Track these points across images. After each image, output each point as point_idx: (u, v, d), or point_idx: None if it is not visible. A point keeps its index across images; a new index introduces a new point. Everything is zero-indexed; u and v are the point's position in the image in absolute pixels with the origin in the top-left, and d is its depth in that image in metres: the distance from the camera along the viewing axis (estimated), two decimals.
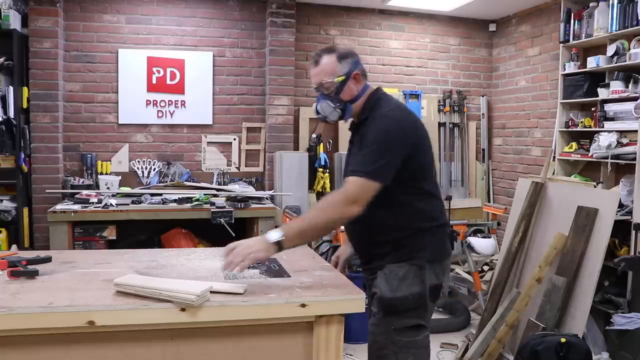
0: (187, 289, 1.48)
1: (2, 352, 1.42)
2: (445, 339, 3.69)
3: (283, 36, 4.78)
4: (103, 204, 3.85)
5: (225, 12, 4.82)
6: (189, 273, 1.80)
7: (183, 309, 1.46)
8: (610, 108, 3.91)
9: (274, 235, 1.70)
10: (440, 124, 5.48)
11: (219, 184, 4.73)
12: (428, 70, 5.45)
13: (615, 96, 3.81)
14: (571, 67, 4.25)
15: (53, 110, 4.32)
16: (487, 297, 3.66)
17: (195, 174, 4.79)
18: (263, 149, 4.95)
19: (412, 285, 1.85)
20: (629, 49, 3.72)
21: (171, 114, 4.73)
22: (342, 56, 1.94)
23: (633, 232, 3.13)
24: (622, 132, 3.79)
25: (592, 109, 4.11)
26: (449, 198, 4.34)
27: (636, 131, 3.44)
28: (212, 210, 3.88)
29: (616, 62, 3.80)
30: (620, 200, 3.33)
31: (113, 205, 3.86)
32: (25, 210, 4.17)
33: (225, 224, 3.86)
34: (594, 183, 3.69)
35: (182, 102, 4.74)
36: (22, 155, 4.10)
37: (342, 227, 2.24)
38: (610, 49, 3.84)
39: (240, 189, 4.47)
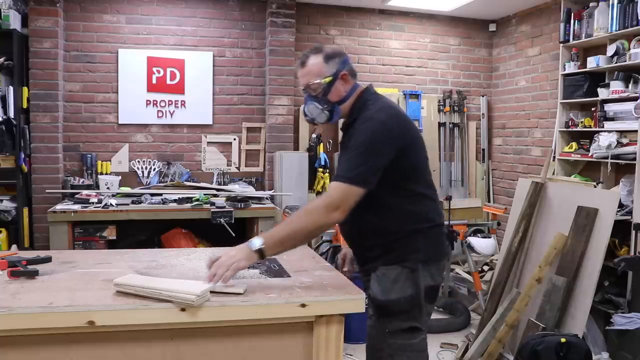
0: (187, 289, 1.48)
1: (2, 352, 1.42)
2: (445, 339, 3.69)
3: (283, 36, 4.78)
4: (103, 204, 3.85)
5: (225, 12, 4.82)
6: (189, 273, 1.80)
7: (183, 309, 1.46)
8: (610, 108, 3.91)
9: (255, 243, 1.67)
10: (440, 124, 5.48)
11: (219, 184, 4.73)
12: (428, 70, 5.45)
13: (615, 96, 3.81)
14: (571, 67, 4.25)
15: (53, 110, 4.32)
16: (487, 297, 3.66)
17: (195, 174, 4.79)
18: (263, 149, 4.95)
19: (404, 287, 1.82)
20: (629, 49, 3.72)
21: (171, 114, 4.73)
22: (329, 56, 1.90)
23: (633, 232, 3.13)
24: (622, 132, 3.79)
25: (592, 109, 4.11)
26: (449, 198, 4.33)
27: (636, 131, 3.44)
28: (212, 210, 3.88)
29: (616, 62, 3.80)
30: (620, 200, 3.33)
31: (113, 205, 3.86)
32: (25, 210, 4.17)
33: (225, 224, 3.86)
34: (594, 183, 3.69)
35: (182, 102, 4.74)
36: (22, 155, 4.10)
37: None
38: (610, 49, 3.84)
39: (240, 189, 4.47)
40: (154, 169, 4.68)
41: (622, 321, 2.76)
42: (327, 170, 4.90)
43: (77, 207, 3.81)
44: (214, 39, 4.81)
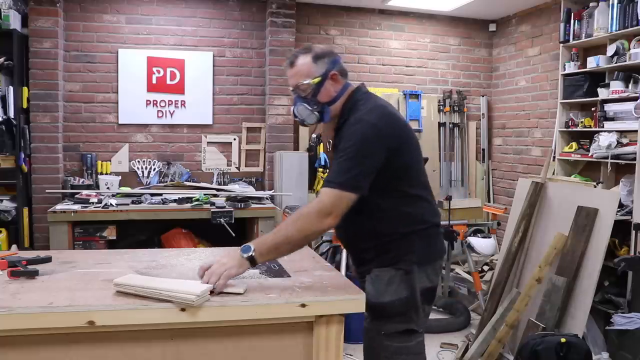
0: (187, 289, 1.48)
1: (2, 352, 1.42)
2: (445, 339, 3.69)
3: (283, 36, 4.78)
4: (103, 204, 3.85)
5: (225, 12, 4.82)
6: (189, 273, 1.79)
7: (183, 309, 1.46)
8: (610, 108, 3.91)
9: (246, 249, 1.65)
10: (440, 124, 5.48)
11: (219, 184, 4.73)
12: (428, 70, 5.45)
13: (615, 96, 3.81)
14: (571, 67, 4.25)
15: (53, 110, 4.32)
16: (487, 297, 3.66)
17: (195, 174, 4.79)
18: (263, 149, 4.95)
19: (398, 290, 1.80)
20: (629, 49, 3.72)
21: (171, 114, 4.73)
22: (318, 56, 1.87)
23: (633, 232, 3.13)
24: (622, 132, 3.79)
25: (592, 109, 4.11)
26: (449, 198, 4.34)
27: (636, 131, 3.44)
28: (212, 210, 3.88)
29: (616, 62, 3.80)
30: (620, 200, 3.33)
31: (113, 205, 3.86)
32: (25, 210, 4.17)
33: (225, 224, 3.86)
34: (594, 183, 3.69)
35: (182, 102, 4.74)
36: (22, 155, 4.10)
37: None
38: (610, 49, 3.84)
39: (240, 189, 4.47)
40: (154, 169, 4.68)
41: (622, 321, 2.76)
42: (327, 170, 4.89)
43: (77, 207, 3.81)
44: (214, 39, 4.81)
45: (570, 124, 4.28)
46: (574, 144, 4.24)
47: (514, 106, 5.33)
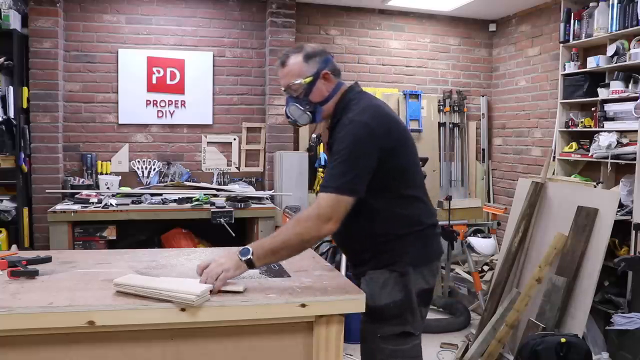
0: (187, 289, 1.48)
1: (2, 352, 1.42)
2: (445, 339, 3.69)
3: (283, 36, 4.78)
4: (103, 204, 3.85)
5: (225, 12, 4.82)
6: (189, 273, 1.79)
7: (183, 309, 1.46)
8: (610, 108, 3.91)
9: (245, 252, 1.64)
10: (440, 124, 5.48)
11: (219, 184, 4.73)
12: (428, 70, 5.46)
13: (615, 96, 3.81)
14: (571, 67, 4.25)
15: (53, 110, 4.32)
16: (487, 297, 3.66)
17: (195, 174, 4.79)
18: (263, 149, 4.95)
19: (393, 292, 1.76)
20: (629, 49, 3.72)
21: (171, 114, 4.73)
22: (309, 55, 1.84)
23: (633, 232, 3.13)
24: (622, 132, 3.79)
25: (592, 109, 4.11)
26: (449, 198, 4.34)
27: (636, 131, 3.44)
28: (212, 210, 3.88)
29: (616, 62, 3.80)
30: (620, 200, 3.33)
31: (113, 205, 3.86)
32: (25, 210, 4.17)
33: (225, 224, 3.86)
34: (594, 183, 3.69)
35: (182, 102, 4.74)
36: (22, 155, 4.10)
37: None
38: (610, 49, 3.84)
39: (240, 189, 4.47)
40: (154, 169, 4.68)
41: (622, 321, 2.76)
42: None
43: (77, 207, 3.81)
44: (214, 39, 4.81)
45: (570, 124, 4.29)
46: (574, 144, 4.24)
47: (514, 106, 5.33)
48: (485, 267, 4.62)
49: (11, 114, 4.03)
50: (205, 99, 4.80)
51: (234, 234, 3.88)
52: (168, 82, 4.69)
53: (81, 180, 4.39)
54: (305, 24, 5.06)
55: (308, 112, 1.86)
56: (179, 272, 1.81)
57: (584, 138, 4.19)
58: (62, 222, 3.68)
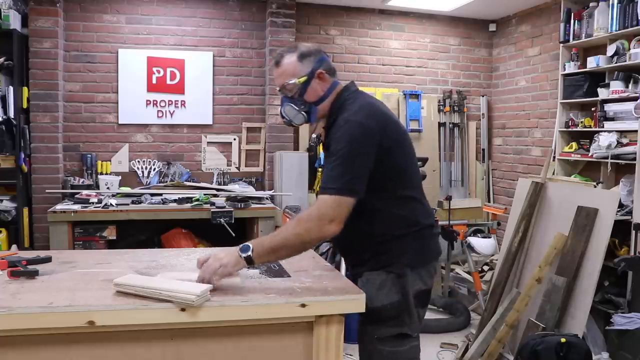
0: (187, 289, 1.48)
1: (2, 352, 1.42)
2: (445, 339, 3.69)
3: (283, 36, 4.78)
4: (103, 204, 3.85)
5: (225, 12, 4.82)
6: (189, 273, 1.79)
7: (183, 309, 1.46)
8: (610, 108, 3.91)
9: (245, 249, 1.64)
10: (440, 124, 5.48)
11: (219, 184, 4.73)
12: (428, 70, 5.45)
13: (615, 96, 3.81)
14: (571, 67, 4.25)
15: (53, 110, 4.32)
16: (487, 297, 3.66)
17: (195, 174, 4.79)
18: (263, 149, 4.95)
19: (390, 294, 1.75)
20: (629, 49, 3.72)
21: (171, 114, 4.73)
22: (304, 55, 1.83)
23: (633, 232, 3.13)
24: (622, 132, 3.79)
25: (592, 109, 4.11)
26: (449, 198, 4.34)
27: (636, 131, 3.44)
28: (212, 210, 3.88)
29: (616, 62, 3.80)
30: (620, 200, 3.33)
31: (113, 205, 3.86)
32: (25, 210, 4.17)
33: (225, 224, 3.86)
34: (594, 183, 3.69)
35: (182, 102, 4.74)
36: (22, 155, 4.10)
37: None
38: (610, 49, 3.84)
39: (240, 189, 4.47)
40: (154, 169, 4.68)
41: (622, 321, 2.76)
42: None
43: (77, 207, 3.81)
44: (214, 39, 4.81)
45: (570, 124, 4.29)
46: (574, 144, 4.24)
47: (514, 106, 5.33)
48: (485, 267, 4.62)
49: (11, 114, 4.03)
50: (205, 99, 4.80)
51: (234, 234, 3.88)
52: (168, 82, 4.69)
53: (81, 180, 4.39)
54: (305, 24, 5.06)
55: (303, 112, 1.84)
56: (179, 272, 1.81)
57: (584, 138, 4.19)
58: (62, 222, 3.68)
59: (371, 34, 5.25)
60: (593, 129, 4.05)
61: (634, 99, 3.61)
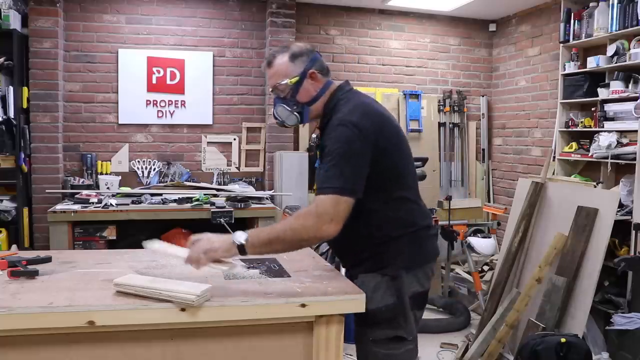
0: (187, 289, 1.48)
1: (2, 352, 1.42)
2: (445, 339, 3.69)
3: (283, 36, 4.77)
4: (103, 204, 3.85)
5: (225, 12, 4.82)
6: (189, 273, 1.79)
7: (183, 309, 1.46)
8: (610, 108, 3.91)
9: (239, 237, 1.62)
10: (440, 124, 5.48)
11: (219, 184, 4.73)
12: (428, 70, 5.45)
13: (615, 96, 3.81)
14: (571, 67, 4.25)
15: (53, 110, 4.32)
16: (487, 297, 3.66)
17: (195, 174, 4.79)
18: (263, 149, 4.95)
19: (385, 296, 1.72)
20: (629, 49, 3.72)
21: (171, 114, 4.73)
22: (295, 55, 1.81)
23: (633, 232, 3.13)
24: (622, 132, 3.79)
25: (592, 109, 4.11)
26: (449, 198, 4.34)
27: (636, 131, 3.44)
28: (212, 210, 3.88)
29: (616, 62, 3.80)
30: (620, 200, 3.33)
31: (113, 205, 3.86)
32: (25, 210, 4.17)
33: (225, 224, 3.86)
34: (594, 183, 3.69)
35: (182, 102, 4.74)
36: (22, 155, 4.10)
37: None
38: (610, 49, 3.84)
39: (240, 189, 4.47)
40: (154, 169, 4.68)
41: (622, 321, 2.76)
42: None
43: (77, 207, 3.81)
44: (214, 39, 4.81)
45: (570, 124, 4.29)
46: (574, 144, 4.24)
47: (514, 106, 5.33)
48: (485, 267, 4.62)
49: (11, 114, 4.03)
50: (205, 99, 4.80)
51: None
52: (168, 82, 4.69)
53: (81, 180, 4.39)
54: (305, 24, 5.06)
55: (295, 113, 1.83)
56: (179, 272, 1.81)
57: (584, 138, 4.19)
58: (62, 222, 3.68)
59: (371, 34, 5.25)
60: (593, 129, 4.05)
61: (634, 99, 3.61)
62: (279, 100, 1.85)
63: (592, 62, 4.00)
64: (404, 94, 5.30)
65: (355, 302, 1.61)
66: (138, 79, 4.63)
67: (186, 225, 4.20)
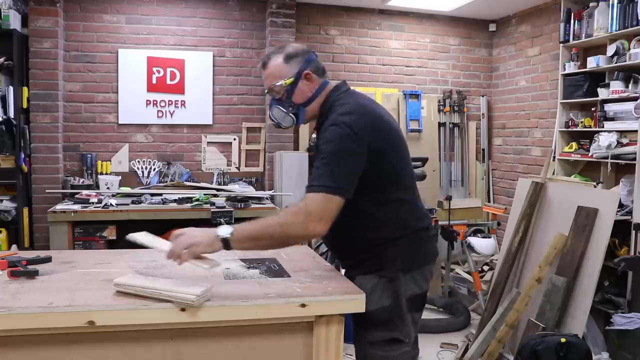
0: (187, 289, 1.48)
1: (2, 352, 1.42)
2: (445, 339, 3.69)
3: (283, 36, 4.77)
4: (103, 204, 3.85)
5: (225, 12, 4.82)
6: (189, 273, 1.79)
7: (183, 309, 1.46)
8: (610, 108, 3.91)
9: (223, 231, 1.60)
10: (440, 124, 5.48)
11: (219, 184, 4.73)
12: (428, 70, 5.45)
13: (615, 96, 3.81)
14: (571, 67, 4.25)
15: (53, 110, 4.32)
16: (487, 297, 3.66)
17: (195, 174, 4.79)
18: (263, 149, 4.95)
19: (381, 298, 1.71)
20: (629, 49, 3.72)
21: (171, 114, 4.73)
22: (290, 56, 1.80)
23: (633, 232, 3.13)
24: (622, 132, 3.79)
25: (592, 109, 4.11)
26: (449, 198, 4.34)
27: (636, 131, 3.44)
28: (212, 210, 3.88)
29: (616, 62, 3.80)
30: (620, 200, 3.33)
31: (113, 205, 3.86)
32: (25, 210, 4.17)
33: (225, 224, 3.86)
34: (594, 183, 3.69)
35: (182, 102, 4.74)
36: (22, 155, 4.10)
37: None
38: (610, 49, 3.84)
39: (240, 189, 4.47)
40: (154, 169, 4.68)
41: (622, 321, 2.76)
42: None
43: (77, 207, 3.81)
44: (214, 39, 4.81)
45: (570, 124, 4.28)
46: (574, 144, 4.24)
47: (514, 106, 5.33)
48: (485, 267, 4.62)
49: (11, 114, 4.02)
50: (205, 99, 4.80)
51: None
52: (168, 82, 4.69)
53: (81, 180, 4.39)
54: (305, 24, 5.05)
55: (291, 114, 1.83)
56: (179, 272, 1.81)
57: (584, 138, 4.19)
58: (62, 222, 3.68)
59: (371, 34, 5.25)
60: (593, 129, 4.05)
61: (634, 99, 3.61)
62: (274, 101, 1.85)
63: (592, 62, 4.00)
64: (404, 94, 5.30)
65: (355, 302, 1.61)
66: (138, 79, 4.63)
67: (186, 225, 4.17)
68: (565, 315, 3.04)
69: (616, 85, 3.80)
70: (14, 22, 4.04)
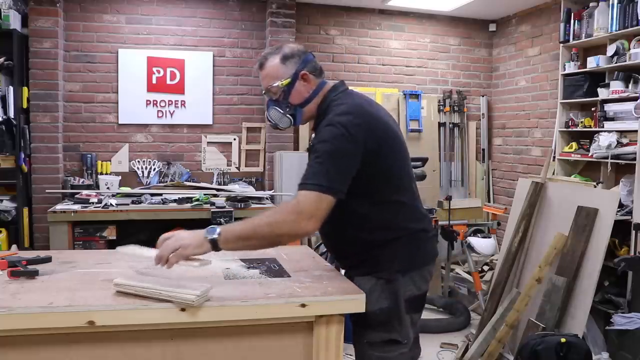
0: (187, 289, 1.48)
1: (2, 352, 1.42)
2: (445, 339, 3.69)
3: (283, 36, 4.77)
4: (103, 204, 3.85)
5: (225, 12, 4.82)
6: (189, 273, 1.79)
7: (183, 309, 1.46)
8: (610, 108, 3.91)
9: (212, 232, 1.60)
10: (440, 124, 5.48)
11: (219, 184, 4.73)
12: (428, 70, 5.45)
13: (615, 96, 3.81)
14: (571, 67, 4.25)
15: (53, 110, 4.32)
16: (487, 297, 3.66)
17: (195, 174, 4.79)
18: (263, 149, 4.95)
19: (380, 299, 1.70)
20: (629, 49, 3.72)
21: (171, 114, 4.73)
22: (287, 57, 1.80)
23: (633, 232, 3.13)
24: (622, 132, 3.79)
25: (592, 109, 4.11)
26: (449, 198, 4.34)
27: (636, 131, 3.44)
28: (212, 210, 3.88)
29: (616, 62, 3.80)
30: (620, 200, 3.33)
31: (113, 205, 3.86)
32: (25, 210, 4.17)
33: (225, 224, 3.86)
34: (594, 183, 3.69)
35: (182, 102, 4.74)
36: (22, 155, 4.10)
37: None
38: (610, 49, 3.84)
39: (240, 189, 4.47)
40: (154, 169, 4.68)
41: (622, 321, 2.76)
42: None
43: (77, 207, 3.81)
44: (214, 39, 4.81)
45: (570, 124, 4.28)
46: (574, 144, 4.24)
47: (514, 106, 5.33)
48: (485, 267, 4.62)
49: (11, 114, 4.03)
50: (205, 99, 4.80)
51: None
52: (168, 82, 4.69)
53: (81, 180, 4.39)
54: (305, 24, 5.05)
55: (288, 115, 1.82)
56: (179, 272, 1.81)
57: (584, 138, 4.19)
58: (62, 222, 3.68)
59: (371, 34, 5.25)
60: (593, 129, 4.05)
61: (634, 99, 3.61)
62: (271, 102, 1.84)
63: (592, 62, 4.00)
64: (404, 94, 5.30)
65: (355, 302, 1.61)
66: (138, 79, 4.63)
67: (186, 225, 4.18)
68: (565, 315, 3.04)
69: (616, 85, 3.80)
70: (14, 22, 4.04)
